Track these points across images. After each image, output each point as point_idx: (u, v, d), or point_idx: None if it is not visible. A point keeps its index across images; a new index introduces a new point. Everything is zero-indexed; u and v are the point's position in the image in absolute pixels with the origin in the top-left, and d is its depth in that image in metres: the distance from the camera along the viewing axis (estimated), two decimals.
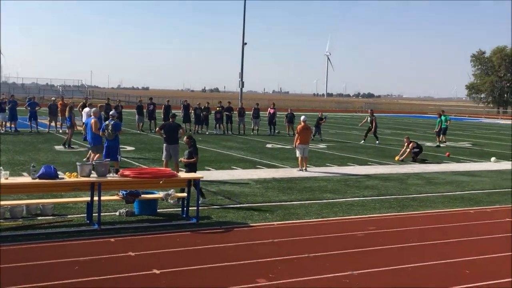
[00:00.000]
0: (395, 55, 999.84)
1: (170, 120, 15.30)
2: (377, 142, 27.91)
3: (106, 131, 14.92)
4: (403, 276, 7.68)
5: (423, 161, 20.76)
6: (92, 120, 15.87)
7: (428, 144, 28.64)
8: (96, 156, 15.76)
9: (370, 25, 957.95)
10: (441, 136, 28.83)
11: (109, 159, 13.38)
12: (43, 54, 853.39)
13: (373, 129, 28.34)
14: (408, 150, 21.05)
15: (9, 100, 28.98)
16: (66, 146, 21.39)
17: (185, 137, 13.05)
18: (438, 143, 28.08)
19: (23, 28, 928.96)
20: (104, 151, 15.06)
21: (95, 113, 16.50)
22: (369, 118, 28.74)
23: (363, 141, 28.33)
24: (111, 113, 15.99)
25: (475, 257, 8.66)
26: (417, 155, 21.05)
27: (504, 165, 20.96)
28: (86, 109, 23.97)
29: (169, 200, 11.29)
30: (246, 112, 33.54)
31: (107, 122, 15.24)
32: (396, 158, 21.28)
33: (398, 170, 18.34)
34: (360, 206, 12.41)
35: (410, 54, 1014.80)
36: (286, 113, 32.54)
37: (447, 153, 23.83)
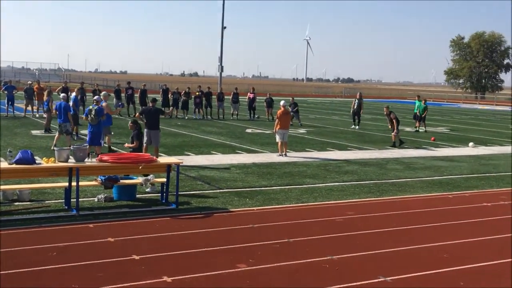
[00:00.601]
0: (375, 40, 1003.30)
1: (151, 104, 15.17)
2: (357, 127, 28.01)
3: (89, 116, 14.70)
4: (382, 260, 7.73)
5: (401, 143, 20.91)
6: (104, 104, 15.82)
7: (408, 129, 28.87)
8: (107, 138, 16.14)
9: (350, 10, 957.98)
10: (419, 122, 29.11)
11: (87, 144, 13.24)
12: (19, 36, 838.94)
13: (361, 112, 28.54)
14: (394, 120, 21.02)
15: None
16: (44, 130, 21.11)
17: (130, 121, 12.97)
18: (417, 128, 28.28)
19: None
20: (88, 136, 14.88)
21: (105, 97, 16.62)
22: (356, 101, 28.51)
23: (353, 125, 28.35)
24: (94, 98, 15.85)
25: (453, 242, 8.75)
26: (397, 130, 20.97)
27: (482, 150, 21.21)
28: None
29: (146, 189, 11.23)
30: (226, 97, 33.41)
31: (90, 107, 15.05)
32: (393, 134, 21.27)
33: (377, 155, 18.45)
34: (339, 191, 12.46)
35: (389, 39, 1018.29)
36: (265, 98, 32.45)
37: (432, 138, 24.05)
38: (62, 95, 18.38)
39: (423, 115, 28.36)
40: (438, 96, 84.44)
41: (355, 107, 28.48)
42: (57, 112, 17.29)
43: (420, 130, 27.95)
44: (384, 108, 22.65)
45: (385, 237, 8.94)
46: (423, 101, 28.87)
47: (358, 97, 28.69)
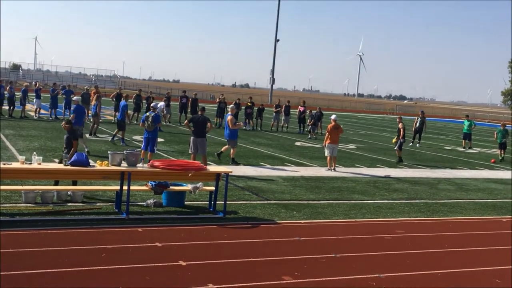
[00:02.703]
0: (429, 58, 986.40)
1: (199, 113, 15.32)
2: (417, 145, 27.79)
3: (146, 122, 14.99)
4: (431, 282, 7.54)
5: (400, 161, 20.49)
6: (229, 117, 16.70)
7: (461, 149, 28.21)
8: (232, 149, 16.94)
9: (403, 27, 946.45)
10: (466, 141, 28.70)
11: (139, 150, 13.47)
12: (77, 43, 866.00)
13: (423, 130, 28.27)
14: (401, 130, 20.76)
15: (52, 89, 29.49)
16: (92, 134, 21.56)
17: (64, 121, 11.59)
18: (502, 157, 24.69)
19: (58, 17, 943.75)
20: (143, 142, 15.22)
21: (232, 110, 17.34)
22: (419, 119, 28.27)
23: (411, 143, 28.12)
24: (152, 105, 16.12)
25: (506, 267, 8.46)
26: (400, 146, 20.79)
27: None
28: (161, 103, 25.13)
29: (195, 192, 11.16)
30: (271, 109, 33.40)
31: (147, 113, 15.35)
32: (393, 140, 21.42)
33: (428, 175, 18.07)
34: (388, 208, 12.25)
35: (444, 57, 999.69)
36: (315, 111, 32.27)
37: (493, 160, 23.42)
38: (75, 97, 18.53)
39: (503, 141, 24.59)
40: (494, 118, 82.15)
41: (417, 124, 28.24)
42: (75, 115, 16.51)
43: (467, 150, 27.56)
44: (397, 119, 22.26)
45: (435, 258, 8.72)
46: (502, 126, 25.19)
47: (421, 115, 28.41)
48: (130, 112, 29.68)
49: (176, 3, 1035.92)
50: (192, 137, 14.96)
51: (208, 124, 15.10)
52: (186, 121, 15.92)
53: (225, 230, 9.43)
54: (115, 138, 20.04)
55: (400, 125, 21.06)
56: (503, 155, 24.45)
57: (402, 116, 23.40)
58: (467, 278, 7.80)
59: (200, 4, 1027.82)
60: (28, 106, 29.98)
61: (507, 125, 26.85)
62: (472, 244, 9.72)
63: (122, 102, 21.09)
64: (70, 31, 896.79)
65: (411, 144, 28.05)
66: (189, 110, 30.65)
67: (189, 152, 15.33)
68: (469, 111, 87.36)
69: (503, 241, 10.09)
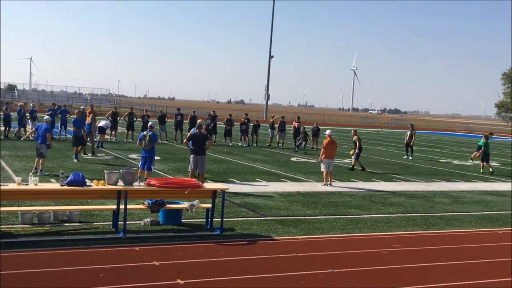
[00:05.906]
0: (423, 71, 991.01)
1: (198, 130, 15.35)
2: (410, 157, 28.04)
3: (143, 141, 15.01)
4: None
5: (352, 169, 21.57)
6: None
7: (455, 162, 28.31)
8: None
9: (396, 41, 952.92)
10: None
11: (135, 168, 13.49)
12: (72, 62, 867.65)
13: (411, 143, 28.65)
14: (357, 142, 21.84)
15: (49, 108, 29.53)
16: (90, 154, 21.64)
17: None
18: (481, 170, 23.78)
19: (53, 37, 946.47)
20: (141, 161, 15.25)
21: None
22: (409, 132, 28.88)
23: (405, 156, 28.61)
24: (150, 124, 16.13)
25: (504, 279, 8.49)
26: (357, 157, 22.03)
27: None
28: (106, 122, 25.47)
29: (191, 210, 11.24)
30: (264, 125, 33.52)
31: (144, 132, 15.37)
32: (351, 152, 22.72)
33: (424, 188, 18.13)
34: (385, 223, 12.28)
35: (438, 71, 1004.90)
36: (312, 127, 32.46)
37: (477, 154, 23.67)
38: (45, 117, 17.94)
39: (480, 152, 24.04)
40: (488, 130, 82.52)
41: (408, 138, 28.88)
42: (36, 133, 16.75)
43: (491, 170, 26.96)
44: (352, 131, 23.29)
45: (432, 271, 8.74)
46: (484, 138, 24.40)
47: (410, 128, 28.95)
48: (124, 130, 29.94)
49: (170, 20, 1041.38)
50: (192, 155, 14.93)
51: (208, 141, 15.16)
52: (185, 139, 15.83)
53: (222, 247, 9.43)
54: (78, 155, 19.85)
55: (354, 138, 22.04)
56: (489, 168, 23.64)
57: (357, 129, 24.78)
58: None
59: (194, 22, 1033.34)
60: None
61: (477, 134, 27.35)
62: (469, 257, 9.75)
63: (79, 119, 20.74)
64: (65, 51, 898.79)
65: (405, 157, 28.36)
66: (188, 127, 30.68)
67: (188, 169, 15.32)
68: (464, 123, 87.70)
69: (501, 253, 10.13)
